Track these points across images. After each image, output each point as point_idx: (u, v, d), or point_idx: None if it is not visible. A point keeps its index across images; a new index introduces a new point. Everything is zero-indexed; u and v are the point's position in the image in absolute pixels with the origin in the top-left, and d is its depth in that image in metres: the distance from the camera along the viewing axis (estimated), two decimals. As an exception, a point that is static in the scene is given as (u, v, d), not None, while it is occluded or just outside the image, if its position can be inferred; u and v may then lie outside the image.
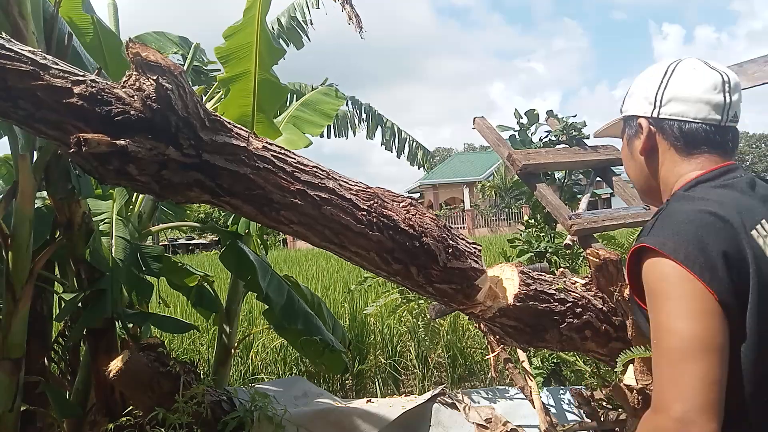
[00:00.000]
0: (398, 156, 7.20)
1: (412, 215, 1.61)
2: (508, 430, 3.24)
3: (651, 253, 1.03)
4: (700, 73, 1.15)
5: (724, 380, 0.96)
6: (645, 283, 1.06)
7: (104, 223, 3.46)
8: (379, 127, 6.95)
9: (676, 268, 0.99)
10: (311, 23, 5.62)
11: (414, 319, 5.54)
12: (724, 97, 1.13)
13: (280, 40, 5.44)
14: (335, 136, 6.84)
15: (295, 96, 6.08)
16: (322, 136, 5.63)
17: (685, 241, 1.00)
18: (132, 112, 1.11)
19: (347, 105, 6.49)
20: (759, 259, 1.01)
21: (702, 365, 0.95)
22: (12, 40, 1.10)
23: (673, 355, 0.98)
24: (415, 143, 7.31)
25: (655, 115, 1.17)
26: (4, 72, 1.05)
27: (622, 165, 3.15)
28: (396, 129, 7.09)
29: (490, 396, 3.72)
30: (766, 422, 1.01)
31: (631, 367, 2.02)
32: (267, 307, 3.71)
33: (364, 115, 6.79)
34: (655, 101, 1.17)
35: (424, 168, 7.69)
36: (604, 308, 1.95)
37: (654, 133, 1.18)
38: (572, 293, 2.11)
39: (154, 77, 1.12)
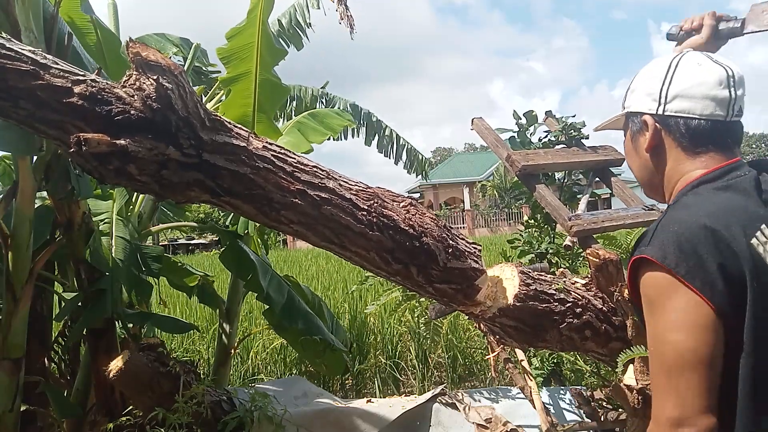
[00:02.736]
0: (395, 163, 7.21)
1: (412, 215, 1.61)
2: (508, 430, 3.24)
3: (651, 265, 1.04)
4: (705, 69, 1.13)
5: (717, 385, 1.00)
6: (643, 293, 1.08)
7: (104, 223, 3.47)
8: (377, 135, 6.96)
9: (675, 282, 1.01)
10: (311, 25, 5.64)
11: (415, 319, 5.55)
12: (730, 92, 1.11)
13: (281, 40, 5.45)
14: (333, 140, 6.85)
15: (294, 102, 6.10)
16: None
17: (685, 254, 1.01)
18: (132, 112, 1.11)
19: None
20: (758, 269, 1.01)
21: (697, 375, 0.98)
22: (12, 39, 1.10)
23: (669, 366, 1.01)
24: (413, 151, 7.32)
25: (660, 112, 1.16)
26: (5, 71, 1.05)
27: (621, 165, 3.17)
28: (395, 136, 7.09)
29: (490, 396, 3.72)
30: (760, 426, 1.03)
31: (631, 367, 2.02)
32: (267, 307, 3.71)
33: (363, 122, 6.80)
34: (660, 98, 1.15)
35: (421, 176, 7.72)
36: (604, 308, 1.95)
37: (659, 130, 1.17)
38: (572, 293, 2.11)
39: (155, 77, 1.12)
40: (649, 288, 1.06)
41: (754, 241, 1.02)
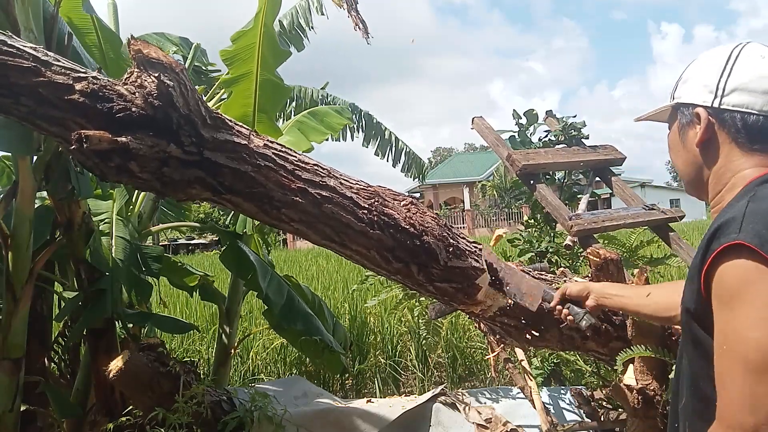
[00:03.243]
0: (393, 165, 7.22)
1: (413, 214, 1.61)
2: (508, 430, 3.24)
3: (741, 253, 0.94)
4: None
5: None
6: (720, 283, 0.96)
7: (104, 223, 3.46)
8: (376, 137, 6.97)
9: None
10: (313, 27, 5.64)
11: (414, 318, 5.55)
12: None
13: (281, 41, 5.45)
14: (333, 140, 6.86)
15: (294, 102, 6.11)
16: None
17: None
18: (133, 109, 1.11)
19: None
20: None
21: None
22: (14, 36, 1.10)
23: (749, 366, 0.91)
24: (411, 153, 7.33)
25: (715, 105, 1.08)
26: (6, 68, 1.05)
27: (621, 165, 3.17)
28: (393, 138, 7.10)
29: (490, 396, 3.72)
30: None
31: (631, 367, 2.02)
32: (267, 307, 3.71)
33: (362, 122, 6.81)
34: (717, 90, 1.08)
35: (419, 179, 7.72)
36: (604, 307, 1.94)
37: (713, 124, 1.09)
38: (573, 292, 2.11)
39: (156, 74, 1.12)
40: (732, 278, 0.95)
41: None
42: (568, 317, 1.55)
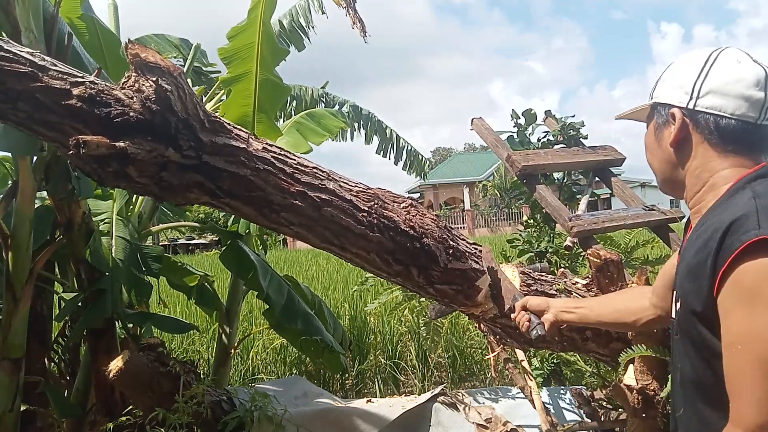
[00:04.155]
0: (395, 163, 7.23)
1: (413, 216, 1.61)
2: (508, 430, 3.24)
3: (765, 249, 0.92)
4: (744, 67, 1.09)
5: None
6: (740, 281, 0.94)
7: (104, 223, 3.46)
8: (377, 135, 6.97)
9: None
10: (313, 27, 5.64)
11: (415, 318, 5.55)
12: (765, 94, 1.07)
13: (281, 41, 5.45)
14: (332, 141, 6.86)
15: (294, 101, 6.11)
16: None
17: None
18: (131, 114, 1.11)
19: (348, 114, 6.52)
20: None
21: None
22: (11, 41, 1.10)
23: (765, 366, 0.91)
24: (412, 151, 7.33)
25: (690, 106, 1.11)
26: (3, 73, 1.05)
27: (621, 165, 3.16)
28: (395, 137, 7.10)
29: (490, 396, 3.72)
30: None
31: (631, 367, 2.02)
32: (267, 307, 3.71)
33: (363, 122, 6.81)
34: (693, 92, 1.11)
35: (420, 177, 7.73)
36: (604, 309, 1.94)
37: (687, 125, 1.12)
38: (573, 293, 2.11)
39: (154, 78, 1.12)
40: (756, 275, 0.92)
41: None
42: (525, 323, 1.55)
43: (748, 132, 1.08)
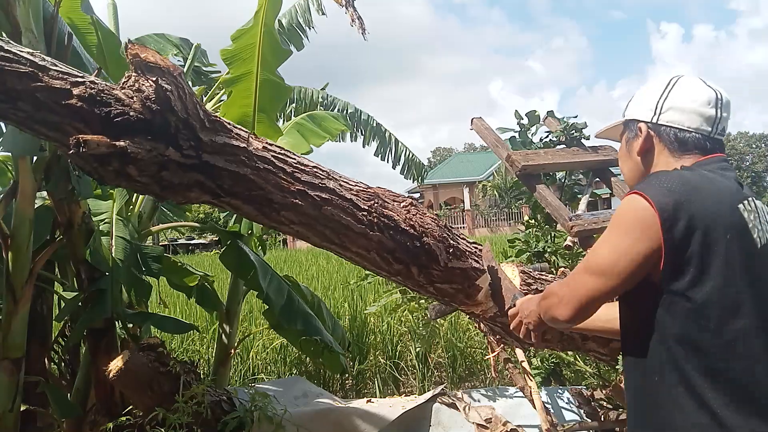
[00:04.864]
0: (393, 167, 7.23)
1: (413, 215, 1.61)
2: (508, 430, 3.24)
3: (632, 195, 1.19)
4: (698, 89, 1.30)
5: (607, 300, 1.21)
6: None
7: (104, 223, 3.46)
8: (376, 139, 6.97)
9: (647, 209, 1.14)
10: (313, 27, 5.64)
11: (414, 318, 5.55)
12: (716, 112, 1.28)
13: (281, 40, 5.44)
14: (332, 141, 6.86)
15: (295, 102, 6.11)
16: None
17: (666, 191, 1.15)
18: (131, 113, 1.11)
19: (347, 117, 6.52)
20: (737, 228, 1.15)
21: (596, 282, 1.19)
22: (11, 41, 1.10)
23: (587, 267, 1.22)
24: (410, 155, 7.33)
25: (654, 120, 1.32)
26: (4, 73, 1.05)
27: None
28: (393, 141, 7.10)
29: (490, 396, 3.72)
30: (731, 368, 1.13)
31: (631, 367, 2.02)
32: (267, 307, 3.71)
33: (363, 126, 6.81)
34: (656, 109, 1.32)
35: (417, 181, 7.74)
36: (604, 309, 1.94)
37: (651, 136, 1.33)
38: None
39: (154, 78, 1.12)
40: (619, 208, 1.22)
41: (740, 206, 1.18)
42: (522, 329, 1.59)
43: (703, 141, 1.29)
